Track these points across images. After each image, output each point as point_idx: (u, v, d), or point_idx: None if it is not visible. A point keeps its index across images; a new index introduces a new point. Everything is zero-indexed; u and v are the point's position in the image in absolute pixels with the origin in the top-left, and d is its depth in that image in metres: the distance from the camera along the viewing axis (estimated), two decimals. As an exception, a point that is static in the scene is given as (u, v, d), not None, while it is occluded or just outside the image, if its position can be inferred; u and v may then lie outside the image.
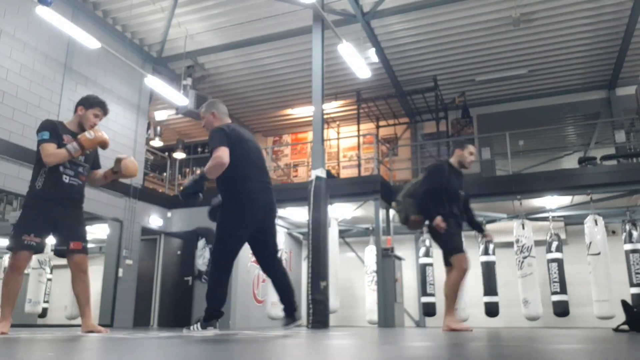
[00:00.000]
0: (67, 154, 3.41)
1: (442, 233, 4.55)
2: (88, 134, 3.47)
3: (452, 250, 4.66)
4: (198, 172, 3.64)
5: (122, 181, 8.22)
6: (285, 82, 11.22)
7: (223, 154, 3.39)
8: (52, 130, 3.47)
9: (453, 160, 4.97)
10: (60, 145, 3.42)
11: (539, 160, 12.68)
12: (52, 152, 3.38)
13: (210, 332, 3.49)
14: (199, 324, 3.50)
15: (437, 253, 9.60)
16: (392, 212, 9.16)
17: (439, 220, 4.52)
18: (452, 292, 4.63)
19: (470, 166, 5.06)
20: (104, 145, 3.55)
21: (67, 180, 3.48)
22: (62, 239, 3.49)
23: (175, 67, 10.43)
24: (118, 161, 3.69)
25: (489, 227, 9.39)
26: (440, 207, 4.66)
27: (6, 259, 7.83)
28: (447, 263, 4.72)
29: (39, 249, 3.40)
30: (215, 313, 3.51)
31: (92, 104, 3.64)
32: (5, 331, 3.30)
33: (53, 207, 3.41)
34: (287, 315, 3.74)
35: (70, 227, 3.51)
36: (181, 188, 3.61)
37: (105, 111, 3.70)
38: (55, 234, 3.49)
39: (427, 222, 4.73)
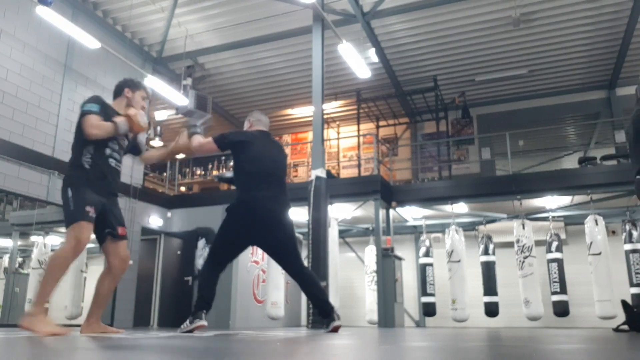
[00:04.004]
0: (114, 129, 3.10)
1: None
2: (141, 117, 3.22)
3: None
4: (193, 133, 3.83)
5: (121, 181, 8.21)
6: (285, 82, 11.22)
7: (205, 141, 3.74)
8: (102, 105, 3.17)
9: None
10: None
11: (539, 160, 12.69)
12: (97, 124, 3.06)
13: (199, 324, 3.49)
14: (188, 321, 3.54)
15: (437, 253, 9.69)
16: (392, 212, 9.17)
17: None
18: None
19: None
20: (140, 130, 3.31)
21: (113, 164, 3.22)
22: (110, 223, 3.18)
23: (175, 67, 10.44)
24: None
25: (488, 227, 9.41)
26: None
27: (6, 259, 7.86)
28: None
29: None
30: (202, 304, 3.56)
31: (138, 86, 3.45)
32: (55, 330, 2.82)
33: (101, 190, 3.13)
34: (324, 317, 3.74)
35: (116, 211, 3.26)
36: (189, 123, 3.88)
37: (149, 95, 3.55)
38: (102, 218, 3.13)
39: None
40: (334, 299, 7.51)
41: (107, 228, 3.19)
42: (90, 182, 3.08)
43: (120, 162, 3.32)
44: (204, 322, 3.51)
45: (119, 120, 3.16)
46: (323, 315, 3.74)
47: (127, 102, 3.39)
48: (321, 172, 7.28)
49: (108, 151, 3.19)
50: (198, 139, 3.76)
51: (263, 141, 3.84)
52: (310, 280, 3.77)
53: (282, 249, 3.73)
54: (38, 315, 2.84)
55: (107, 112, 3.18)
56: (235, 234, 3.65)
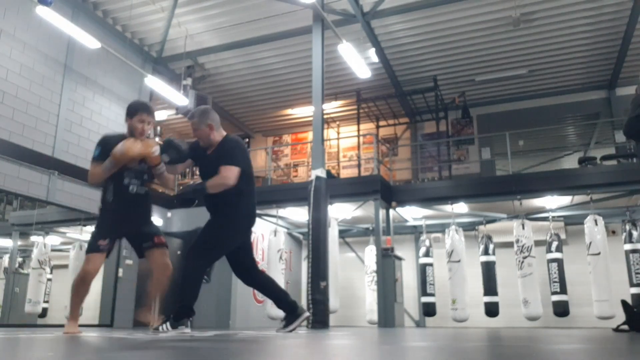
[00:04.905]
0: (104, 171, 3.38)
1: None
2: (120, 147, 3.32)
3: None
4: (198, 183, 3.59)
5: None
6: (285, 82, 11.22)
7: (233, 176, 3.40)
8: (104, 146, 3.40)
9: None
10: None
11: (539, 160, 12.68)
12: (92, 172, 3.44)
13: (183, 331, 3.40)
14: (168, 324, 3.42)
15: (437, 253, 9.69)
16: (392, 212, 9.17)
17: None
18: None
19: None
20: (147, 158, 3.43)
21: (134, 190, 3.48)
22: (143, 237, 3.56)
23: (175, 67, 10.43)
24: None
25: (488, 227, 9.41)
26: None
27: (6, 259, 7.86)
28: None
29: (110, 252, 3.50)
30: (188, 311, 3.47)
31: (134, 111, 3.50)
32: (76, 331, 3.45)
33: (125, 216, 3.47)
34: (290, 313, 3.71)
35: (148, 225, 3.61)
36: (179, 192, 3.62)
37: (150, 112, 3.54)
38: (133, 236, 3.60)
39: None
40: (334, 299, 7.52)
41: (144, 242, 3.55)
42: (114, 213, 3.45)
43: (143, 185, 3.54)
44: (188, 330, 3.44)
45: (106, 162, 3.37)
46: (289, 311, 3.70)
47: (127, 131, 3.52)
48: (321, 172, 7.27)
49: (126, 180, 3.44)
50: (215, 182, 3.42)
51: None
52: (272, 279, 3.79)
53: (251, 249, 3.77)
54: (70, 321, 3.49)
55: (111, 148, 3.37)
56: (238, 240, 3.61)
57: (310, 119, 9.17)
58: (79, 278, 3.42)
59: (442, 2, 8.59)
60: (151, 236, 3.55)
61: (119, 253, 8.30)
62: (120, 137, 3.44)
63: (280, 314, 3.83)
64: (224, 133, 3.68)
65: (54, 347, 2.00)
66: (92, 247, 3.40)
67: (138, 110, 3.50)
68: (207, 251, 3.54)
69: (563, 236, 9.40)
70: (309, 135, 12.14)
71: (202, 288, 3.62)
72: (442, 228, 10.08)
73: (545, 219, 9.13)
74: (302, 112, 12.40)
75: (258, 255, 9.46)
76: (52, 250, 8.40)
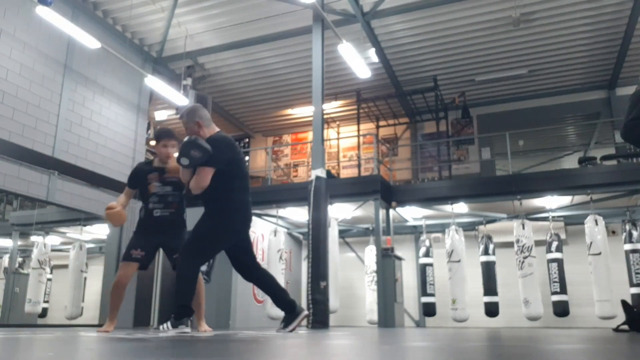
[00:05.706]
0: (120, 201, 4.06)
1: None
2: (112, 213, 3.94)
3: None
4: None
5: (121, 181, 8.22)
6: (285, 82, 11.22)
7: (207, 177, 3.40)
8: (131, 176, 4.07)
9: None
10: (142, 184, 3.99)
11: (539, 160, 12.68)
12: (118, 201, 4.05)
13: (184, 330, 3.42)
14: (169, 323, 3.45)
15: (437, 253, 9.69)
16: (392, 212, 9.17)
17: None
18: None
19: None
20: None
21: (158, 214, 3.95)
22: (174, 250, 3.93)
23: (175, 67, 10.43)
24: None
25: (488, 227, 9.41)
26: None
27: (6, 259, 7.86)
28: None
29: (145, 262, 3.97)
30: (187, 310, 3.49)
31: (158, 138, 4.04)
32: (110, 330, 3.93)
33: (154, 232, 3.95)
34: (289, 312, 3.71)
35: (178, 240, 3.96)
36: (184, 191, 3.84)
37: (171, 137, 4.00)
38: (166, 249, 4.04)
39: None
40: (334, 299, 7.51)
41: (175, 254, 3.92)
42: (145, 229, 3.98)
43: (167, 208, 3.98)
44: (188, 330, 3.47)
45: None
46: (288, 310, 3.70)
47: (157, 155, 4.12)
48: (321, 172, 7.27)
49: (150, 205, 3.97)
50: (192, 185, 3.44)
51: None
52: (272, 277, 3.78)
53: (250, 247, 3.78)
54: (108, 322, 4.04)
55: (136, 179, 4.05)
56: (233, 239, 3.59)
57: (310, 119, 9.18)
58: (113, 284, 3.97)
59: (442, 2, 8.59)
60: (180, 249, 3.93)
61: (119, 253, 8.30)
62: (147, 163, 4.16)
63: (280, 314, 3.83)
64: (216, 130, 3.65)
65: (54, 347, 2.00)
66: (124, 255, 3.95)
67: (161, 137, 4.02)
68: (201, 249, 3.54)
69: (563, 236, 9.40)
70: (309, 135, 12.14)
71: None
72: (442, 228, 10.08)
73: (545, 219, 9.13)
74: (302, 112, 12.40)
75: (258, 255, 9.44)
76: (52, 250, 8.41)
